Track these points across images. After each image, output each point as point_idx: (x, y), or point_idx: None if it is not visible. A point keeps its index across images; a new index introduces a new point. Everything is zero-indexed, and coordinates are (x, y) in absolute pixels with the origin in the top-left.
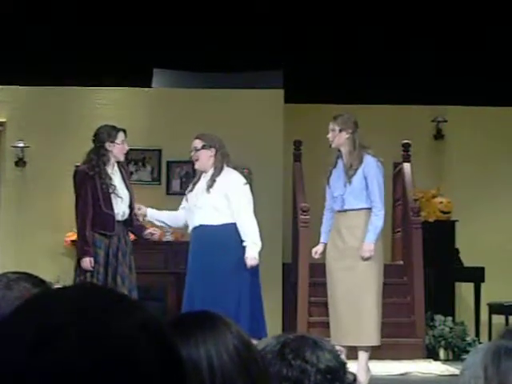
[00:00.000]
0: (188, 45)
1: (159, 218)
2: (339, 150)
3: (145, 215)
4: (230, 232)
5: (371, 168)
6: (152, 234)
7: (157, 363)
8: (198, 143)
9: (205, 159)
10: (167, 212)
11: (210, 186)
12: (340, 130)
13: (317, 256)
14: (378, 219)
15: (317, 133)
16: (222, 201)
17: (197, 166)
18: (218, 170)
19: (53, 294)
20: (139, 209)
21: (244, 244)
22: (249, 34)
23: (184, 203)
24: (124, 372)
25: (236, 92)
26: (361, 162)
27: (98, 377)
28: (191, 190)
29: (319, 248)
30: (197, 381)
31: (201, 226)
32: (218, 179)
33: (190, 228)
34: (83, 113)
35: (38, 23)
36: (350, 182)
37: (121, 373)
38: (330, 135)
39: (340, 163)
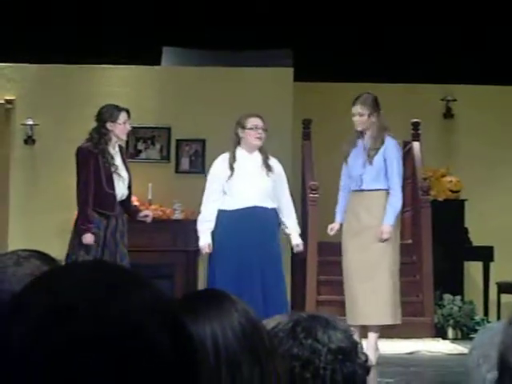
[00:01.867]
0: (197, 23)
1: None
2: (360, 132)
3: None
4: (277, 217)
5: (392, 150)
6: (146, 216)
7: (168, 341)
8: (264, 124)
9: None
10: (213, 222)
11: (268, 170)
12: (369, 115)
13: (332, 233)
14: (396, 201)
15: (326, 111)
16: (272, 185)
17: (259, 144)
18: (265, 154)
19: (62, 272)
20: (204, 248)
21: (288, 231)
22: (258, 12)
23: (219, 185)
24: (135, 351)
25: (245, 70)
26: (382, 143)
27: (108, 356)
28: (232, 174)
29: (335, 226)
30: (201, 359)
31: (255, 207)
32: (270, 163)
33: (235, 207)
34: (92, 91)
35: (46, 0)
36: (371, 163)
37: (132, 351)
38: (357, 118)
39: (360, 143)
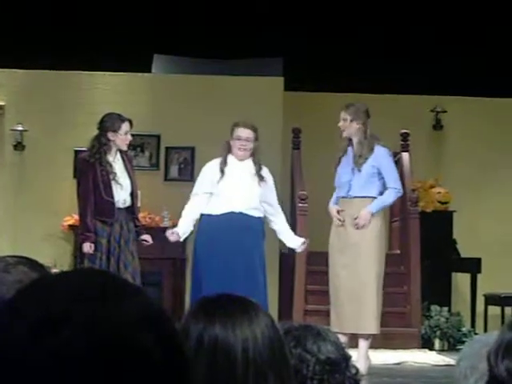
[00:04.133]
0: (188, 31)
1: (189, 229)
2: (350, 139)
3: (179, 239)
4: (262, 225)
5: (384, 157)
6: (146, 241)
7: (158, 349)
8: (253, 134)
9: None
10: (191, 218)
11: (260, 179)
12: (351, 120)
13: (338, 220)
14: (389, 196)
15: (316, 121)
16: (260, 194)
17: (240, 155)
18: (259, 165)
19: (55, 280)
20: (172, 233)
21: (289, 238)
22: (249, 21)
23: (207, 188)
24: (127, 359)
25: (235, 79)
26: (371, 151)
27: (101, 363)
28: (221, 177)
29: (335, 212)
30: (229, 365)
31: (241, 213)
32: (263, 174)
33: (221, 211)
34: (82, 97)
35: (37, 6)
36: (359, 170)
37: (123, 359)
38: (341, 124)
39: (350, 151)
